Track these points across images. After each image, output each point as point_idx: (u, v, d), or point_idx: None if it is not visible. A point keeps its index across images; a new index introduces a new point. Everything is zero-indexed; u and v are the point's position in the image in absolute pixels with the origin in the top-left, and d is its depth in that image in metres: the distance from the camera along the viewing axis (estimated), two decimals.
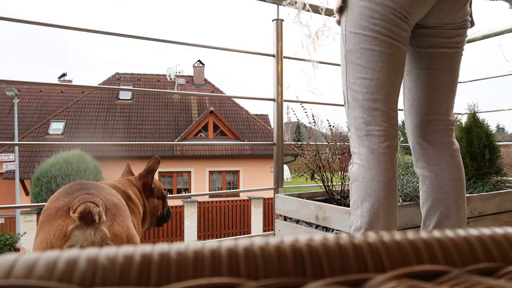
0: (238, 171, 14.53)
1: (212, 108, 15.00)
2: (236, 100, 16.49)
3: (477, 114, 2.18)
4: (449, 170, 1.18)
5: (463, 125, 2.18)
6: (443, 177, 1.18)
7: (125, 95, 15.63)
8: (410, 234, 0.24)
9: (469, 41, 2.50)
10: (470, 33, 2.51)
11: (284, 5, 1.88)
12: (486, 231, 0.25)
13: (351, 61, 1.12)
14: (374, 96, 1.09)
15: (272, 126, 2.05)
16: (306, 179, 1.75)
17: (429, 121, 1.22)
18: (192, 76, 17.61)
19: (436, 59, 1.19)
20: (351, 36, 1.12)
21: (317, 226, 1.49)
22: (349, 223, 1.35)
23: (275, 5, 1.91)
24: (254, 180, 13.71)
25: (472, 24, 1.27)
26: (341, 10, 1.15)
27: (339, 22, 1.18)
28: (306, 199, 1.59)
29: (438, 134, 1.21)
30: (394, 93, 1.12)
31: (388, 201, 1.07)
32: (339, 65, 2.08)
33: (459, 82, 2.72)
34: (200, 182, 14.34)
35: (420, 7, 1.09)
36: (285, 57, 1.95)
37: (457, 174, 1.19)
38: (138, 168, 1.44)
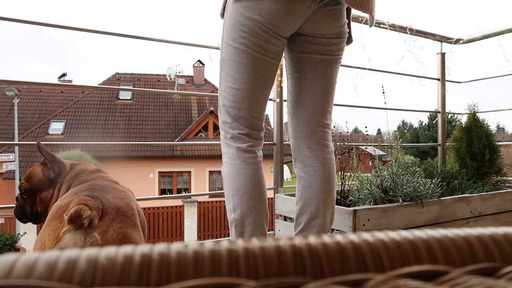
0: None
1: (212, 108, 14.99)
2: None
3: (477, 114, 2.18)
4: (321, 172, 1.24)
5: (463, 125, 2.18)
6: (316, 178, 1.24)
7: (125, 95, 15.62)
8: (410, 234, 0.24)
9: (469, 41, 2.50)
10: (470, 33, 2.51)
11: None
12: (486, 231, 0.25)
13: (224, 69, 1.20)
14: (239, 105, 1.18)
15: (272, 126, 2.05)
16: None
17: (306, 124, 1.27)
18: (192, 76, 17.61)
19: (312, 64, 1.24)
20: (225, 46, 1.18)
21: None
22: (349, 223, 1.35)
23: None
24: None
25: (350, 40, 1.32)
26: (222, 17, 1.22)
27: (222, 16, 1.24)
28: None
29: (314, 137, 1.26)
30: (258, 103, 1.20)
31: (256, 191, 1.16)
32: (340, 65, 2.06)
33: (459, 82, 2.70)
34: (200, 182, 14.34)
35: (287, 22, 1.13)
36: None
37: (328, 177, 1.25)
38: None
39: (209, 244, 0.22)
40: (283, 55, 1.29)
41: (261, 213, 1.17)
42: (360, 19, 2.03)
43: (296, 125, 1.29)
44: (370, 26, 1.32)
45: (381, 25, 2.18)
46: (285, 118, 2.08)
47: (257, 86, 1.17)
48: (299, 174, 1.29)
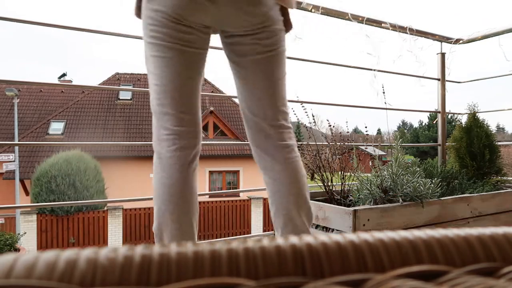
0: (238, 171, 14.52)
1: (212, 108, 14.99)
2: (236, 100, 16.46)
3: (477, 114, 2.18)
4: (284, 174, 1.19)
5: (463, 125, 2.18)
6: (280, 181, 1.20)
7: (125, 95, 15.63)
8: (410, 234, 0.24)
9: (469, 41, 2.50)
10: (470, 33, 2.51)
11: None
12: (486, 231, 0.25)
13: (147, 68, 1.16)
14: (162, 101, 1.12)
15: None
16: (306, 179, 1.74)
17: (258, 129, 1.22)
18: None
19: (246, 68, 1.18)
20: (144, 44, 1.15)
21: (317, 226, 1.49)
22: (349, 223, 1.35)
23: None
24: (254, 180, 13.70)
25: (289, 26, 1.23)
26: (138, 16, 1.18)
27: (138, 16, 1.21)
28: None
29: (269, 140, 1.21)
30: (181, 97, 1.13)
31: (173, 204, 1.10)
32: (340, 65, 2.07)
33: (459, 82, 2.70)
34: (200, 182, 14.34)
35: (192, 8, 1.08)
36: None
37: (293, 177, 1.19)
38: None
39: (209, 244, 0.22)
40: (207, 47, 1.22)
41: (180, 226, 1.11)
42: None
43: (249, 132, 1.25)
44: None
45: (381, 25, 2.18)
46: None
47: (176, 78, 1.11)
48: (265, 180, 1.24)
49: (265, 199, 11.47)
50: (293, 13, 1.26)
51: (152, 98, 1.15)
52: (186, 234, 1.13)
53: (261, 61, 1.17)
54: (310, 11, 1.95)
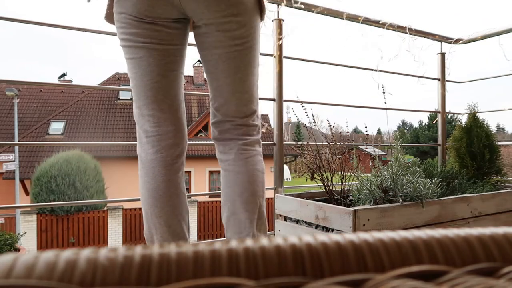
0: None
1: None
2: None
3: (477, 114, 2.18)
4: (234, 164, 1.16)
5: (463, 125, 2.18)
6: (230, 171, 1.17)
7: (125, 95, 15.62)
8: (410, 234, 0.24)
9: (469, 41, 2.50)
10: (470, 33, 2.51)
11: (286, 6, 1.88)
12: (486, 231, 0.25)
13: (128, 73, 1.14)
14: (138, 103, 1.10)
15: (272, 126, 2.05)
16: (306, 179, 1.74)
17: (219, 123, 1.20)
18: (192, 76, 17.60)
19: (212, 62, 1.14)
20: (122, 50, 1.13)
21: (317, 226, 1.49)
22: (349, 223, 1.35)
23: (275, 5, 1.91)
24: None
25: (262, 8, 1.16)
26: (108, 21, 1.16)
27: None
28: (306, 199, 1.59)
29: (227, 133, 1.20)
30: (155, 95, 1.09)
31: (159, 207, 1.08)
32: (339, 65, 2.07)
33: (459, 82, 2.70)
34: (200, 182, 14.34)
35: (150, 4, 1.04)
36: (285, 57, 1.95)
37: (243, 167, 1.16)
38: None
39: (209, 244, 0.22)
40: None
41: (169, 229, 1.09)
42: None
43: (212, 124, 1.23)
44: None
45: (381, 25, 2.18)
46: (285, 118, 2.08)
47: (147, 77, 1.08)
48: (221, 173, 1.22)
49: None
50: (289, 12, 1.23)
51: (133, 101, 1.14)
52: (176, 235, 1.11)
53: (227, 55, 1.12)
54: (310, 11, 1.95)
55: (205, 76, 1.24)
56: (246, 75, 1.16)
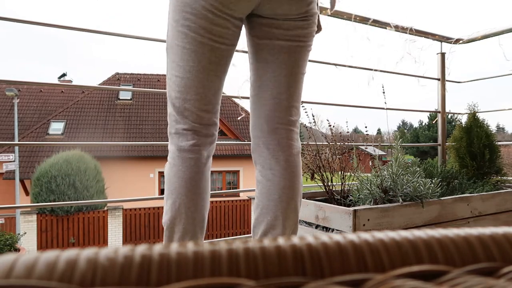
0: (238, 171, 14.52)
1: None
2: (236, 100, 16.45)
3: (477, 114, 2.18)
4: (281, 176, 1.09)
5: (463, 125, 2.18)
6: (274, 183, 1.09)
7: (125, 95, 15.62)
8: (410, 234, 0.24)
9: (469, 41, 2.50)
10: (470, 33, 2.51)
11: None
12: (486, 231, 0.25)
13: (169, 56, 1.08)
14: (184, 96, 1.05)
15: None
16: (306, 179, 1.74)
17: (267, 121, 1.12)
18: None
19: (273, 51, 1.09)
20: (169, 29, 1.06)
21: (317, 226, 1.49)
22: (349, 223, 1.35)
23: None
24: (254, 180, 13.69)
25: (319, 28, 1.17)
26: None
27: None
28: (306, 199, 1.59)
29: (275, 136, 1.11)
30: (206, 94, 1.06)
31: (189, 198, 1.06)
32: (339, 65, 2.07)
33: (459, 82, 2.70)
34: None
35: (237, 4, 1.00)
36: None
37: (290, 182, 1.09)
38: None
39: (209, 244, 0.22)
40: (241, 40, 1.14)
41: (193, 221, 1.06)
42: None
43: (256, 122, 1.14)
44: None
45: (381, 25, 2.18)
46: None
47: (204, 74, 1.03)
48: (257, 179, 1.14)
49: None
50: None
51: (171, 89, 1.07)
52: (198, 229, 1.09)
53: (289, 49, 1.09)
54: None
55: (251, 64, 1.17)
56: (302, 73, 1.14)
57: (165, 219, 1.08)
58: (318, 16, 1.14)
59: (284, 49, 1.09)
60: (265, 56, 1.11)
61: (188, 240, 1.06)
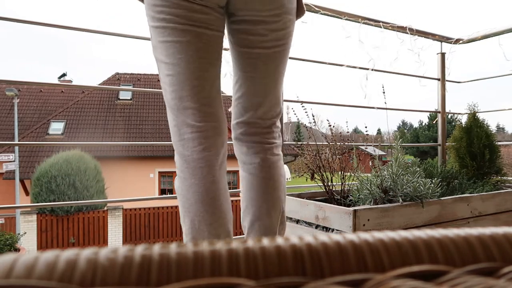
0: (238, 171, 14.52)
1: None
2: None
3: (477, 114, 2.18)
4: (261, 169, 1.11)
5: (463, 125, 2.18)
6: (256, 176, 1.11)
7: (125, 95, 15.62)
8: (410, 234, 0.24)
9: (469, 41, 2.50)
10: (470, 33, 2.51)
11: None
12: (486, 231, 0.25)
13: (157, 59, 1.01)
14: (179, 93, 0.96)
15: None
16: (306, 179, 1.74)
17: (246, 124, 1.14)
18: None
19: (250, 60, 1.07)
20: (151, 31, 1.00)
21: (317, 226, 1.49)
22: (349, 223, 1.35)
23: None
24: None
25: (302, 11, 1.12)
26: (142, 1, 1.03)
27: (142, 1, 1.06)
28: (306, 199, 1.59)
29: (253, 136, 1.14)
30: (203, 86, 0.97)
31: (209, 213, 0.97)
32: (339, 65, 2.07)
33: (459, 82, 2.70)
34: None
35: None
36: None
37: (269, 173, 1.11)
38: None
39: (209, 244, 0.22)
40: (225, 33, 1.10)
41: (219, 238, 0.97)
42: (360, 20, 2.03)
43: (235, 124, 1.17)
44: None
45: (381, 25, 2.18)
46: (285, 118, 2.08)
47: (194, 64, 0.96)
48: (241, 174, 1.16)
49: None
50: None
51: (166, 92, 1.00)
52: None
53: (268, 55, 1.07)
54: (310, 11, 1.95)
55: (231, 72, 1.17)
56: (280, 76, 1.13)
57: (186, 239, 0.99)
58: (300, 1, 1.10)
59: (263, 57, 1.07)
60: (244, 65, 1.09)
61: None
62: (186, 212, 0.98)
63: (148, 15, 0.99)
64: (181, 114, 0.98)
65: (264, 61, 1.07)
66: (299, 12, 1.12)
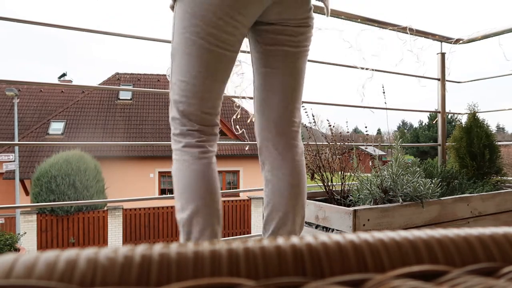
0: (238, 171, 14.51)
1: None
2: (236, 100, 16.44)
3: (477, 114, 2.18)
4: (290, 175, 1.16)
5: (463, 125, 2.18)
6: (285, 182, 1.16)
7: (125, 95, 15.62)
8: (410, 234, 0.24)
9: (469, 41, 2.50)
10: (470, 33, 2.51)
11: None
12: (486, 231, 0.25)
13: (175, 61, 1.10)
14: (189, 100, 1.08)
15: None
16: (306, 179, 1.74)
17: (275, 124, 1.18)
18: None
19: (278, 57, 1.14)
20: (176, 34, 1.08)
21: (317, 226, 1.49)
22: (349, 223, 1.35)
23: None
24: (254, 180, 13.70)
25: (327, 12, 1.22)
26: (173, 9, 1.11)
27: (172, 8, 1.11)
28: (306, 199, 1.59)
29: (282, 137, 1.18)
30: (210, 98, 1.10)
31: (204, 189, 1.08)
32: (339, 65, 2.07)
33: (459, 82, 2.70)
34: None
35: (247, 8, 1.03)
36: None
37: (297, 180, 1.17)
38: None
39: (209, 244, 0.22)
40: (248, 47, 1.21)
41: (211, 212, 1.08)
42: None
43: (264, 124, 1.20)
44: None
45: (381, 25, 2.18)
46: None
47: (209, 80, 1.07)
48: (267, 178, 1.19)
49: None
50: None
51: (175, 93, 1.10)
52: (216, 221, 1.09)
53: (294, 54, 1.14)
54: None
55: (255, 69, 1.21)
56: (303, 77, 1.19)
57: (182, 215, 1.07)
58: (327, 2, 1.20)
59: (291, 54, 1.14)
60: (273, 62, 1.16)
61: (208, 232, 1.07)
62: (183, 188, 1.08)
63: (180, 23, 1.05)
64: (187, 116, 1.09)
65: (291, 59, 1.15)
66: (326, 12, 1.23)
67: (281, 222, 1.15)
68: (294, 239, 0.22)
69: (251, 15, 1.05)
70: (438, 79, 2.55)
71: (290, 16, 1.10)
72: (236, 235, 11.16)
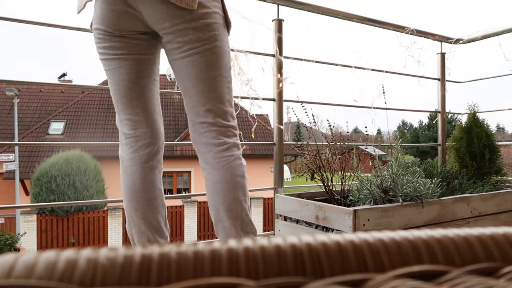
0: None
1: None
2: (236, 100, 16.43)
3: (477, 114, 2.18)
4: (213, 173, 1.19)
5: (463, 125, 2.18)
6: (209, 180, 1.21)
7: None
8: (410, 234, 0.24)
9: (469, 41, 2.50)
10: (470, 33, 2.51)
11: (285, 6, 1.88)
12: (486, 231, 0.25)
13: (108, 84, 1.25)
14: (116, 109, 1.23)
15: (272, 126, 2.05)
16: (306, 179, 1.74)
17: (194, 126, 1.22)
18: None
19: (175, 70, 1.21)
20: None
21: (317, 226, 1.49)
22: (349, 223, 1.35)
23: (275, 5, 1.91)
24: (254, 180, 13.66)
25: (229, 26, 1.22)
26: None
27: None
28: (306, 199, 1.59)
29: (201, 138, 1.21)
30: (129, 101, 1.20)
31: (135, 201, 1.19)
32: (339, 65, 2.07)
33: (459, 82, 2.71)
34: (200, 182, 14.29)
35: (112, 18, 1.12)
36: (285, 57, 1.95)
37: (221, 176, 1.18)
38: None
39: (209, 244, 0.22)
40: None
41: (144, 222, 1.19)
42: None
43: (190, 130, 1.25)
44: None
45: (382, 26, 2.18)
46: (285, 118, 2.08)
47: (121, 86, 1.19)
48: (204, 181, 1.25)
49: (265, 199, 11.47)
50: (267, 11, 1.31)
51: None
52: (153, 228, 1.20)
53: (182, 61, 1.17)
54: (310, 11, 1.95)
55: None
56: (211, 76, 1.18)
57: (126, 225, 1.23)
58: (225, 13, 1.21)
59: (180, 64, 1.19)
60: (175, 73, 1.23)
61: (144, 241, 1.19)
62: (123, 201, 1.23)
63: (96, 51, 1.21)
64: (120, 125, 1.23)
65: (183, 67, 1.19)
66: (227, 25, 1.24)
67: (217, 219, 1.22)
68: (294, 239, 0.22)
69: (128, 27, 1.16)
70: (438, 79, 2.55)
71: (162, 26, 1.16)
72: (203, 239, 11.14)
